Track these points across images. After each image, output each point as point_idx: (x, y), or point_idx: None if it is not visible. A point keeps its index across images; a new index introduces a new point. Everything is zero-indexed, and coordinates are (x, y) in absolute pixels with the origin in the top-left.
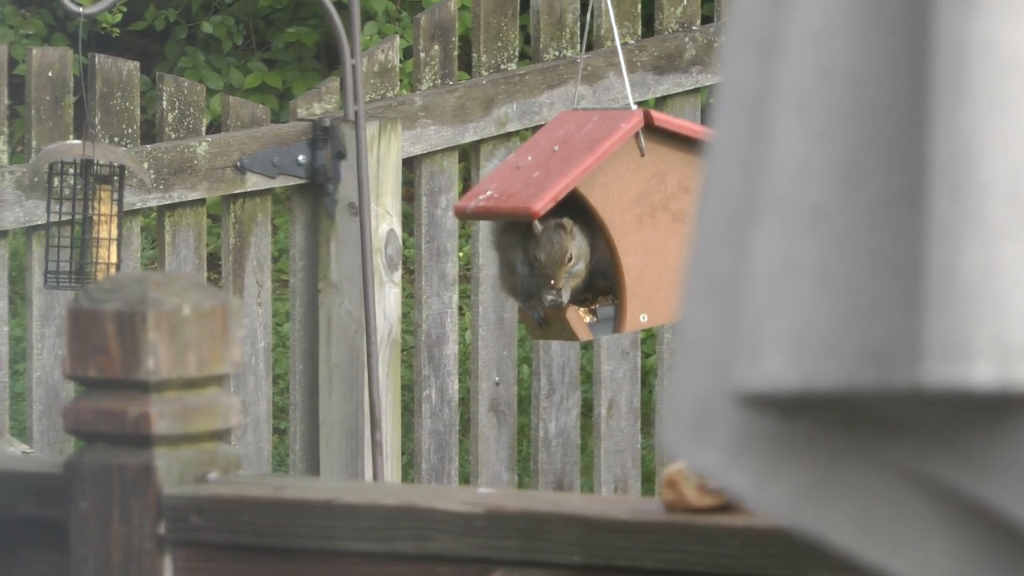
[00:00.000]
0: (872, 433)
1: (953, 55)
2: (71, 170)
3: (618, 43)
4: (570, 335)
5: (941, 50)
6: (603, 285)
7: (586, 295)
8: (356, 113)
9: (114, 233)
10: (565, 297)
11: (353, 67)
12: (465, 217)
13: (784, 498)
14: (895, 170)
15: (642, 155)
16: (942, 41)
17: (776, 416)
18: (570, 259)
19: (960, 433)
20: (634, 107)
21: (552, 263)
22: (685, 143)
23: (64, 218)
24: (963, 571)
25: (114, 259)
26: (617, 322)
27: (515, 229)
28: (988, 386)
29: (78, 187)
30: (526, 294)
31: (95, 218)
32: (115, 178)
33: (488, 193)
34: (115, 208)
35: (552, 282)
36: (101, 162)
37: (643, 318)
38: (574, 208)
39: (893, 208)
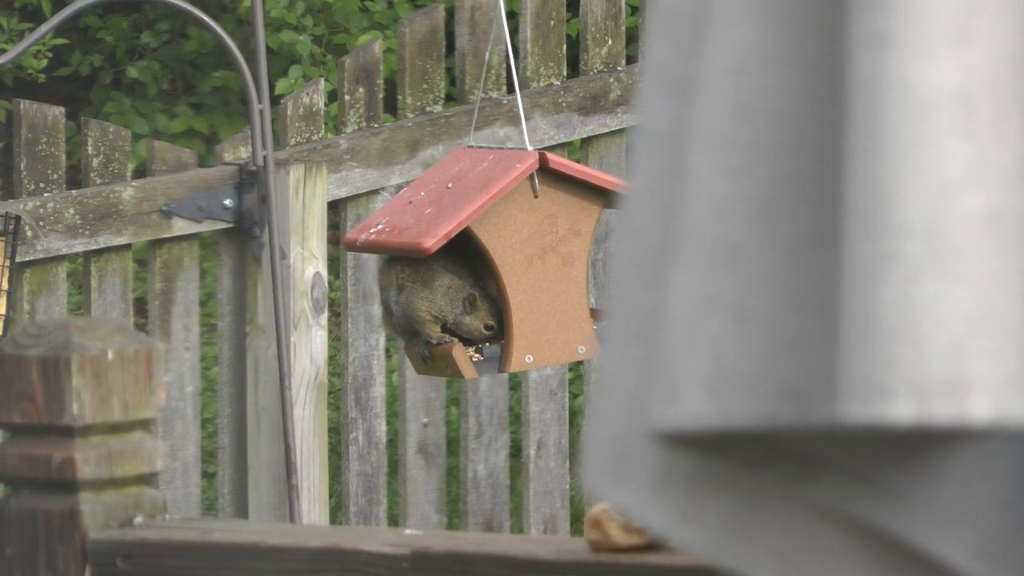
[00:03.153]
0: (792, 470)
1: (867, 94)
2: None
3: (516, 82)
4: (455, 373)
5: (855, 89)
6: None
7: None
8: (265, 158)
9: (4, 285)
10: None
11: (261, 112)
12: (355, 249)
13: (705, 535)
14: (812, 208)
15: (535, 196)
16: (856, 80)
17: (695, 454)
18: (490, 328)
19: (880, 470)
20: (530, 148)
21: (477, 337)
22: (579, 187)
23: None
24: None
25: (2, 311)
26: (503, 361)
27: (389, 269)
28: (906, 423)
29: None
30: (408, 333)
31: None
32: (10, 229)
33: (379, 227)
34: (7, 260)
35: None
36: None
37: (528, 359)
38: (465, 245)
39: (811, 246)
